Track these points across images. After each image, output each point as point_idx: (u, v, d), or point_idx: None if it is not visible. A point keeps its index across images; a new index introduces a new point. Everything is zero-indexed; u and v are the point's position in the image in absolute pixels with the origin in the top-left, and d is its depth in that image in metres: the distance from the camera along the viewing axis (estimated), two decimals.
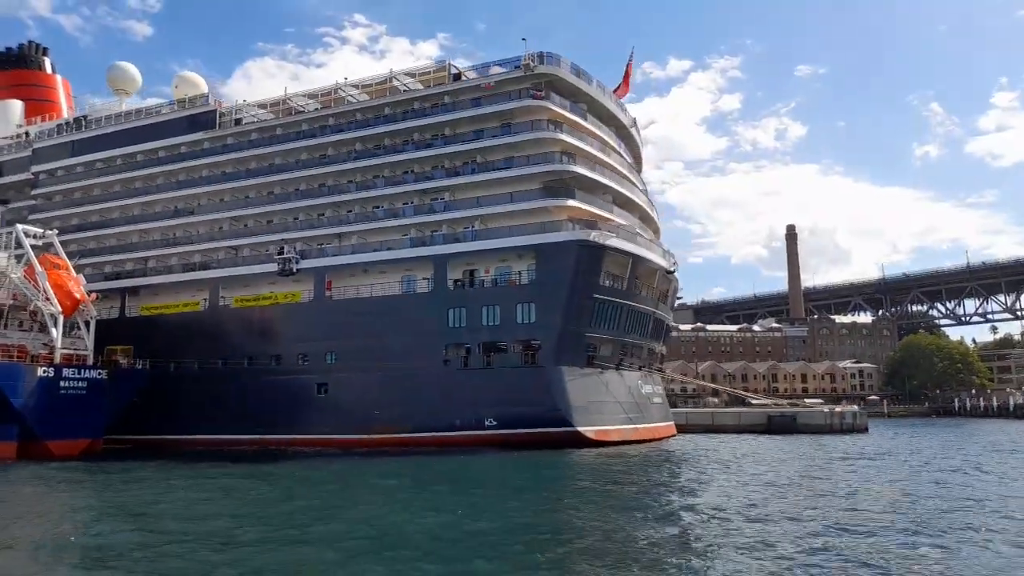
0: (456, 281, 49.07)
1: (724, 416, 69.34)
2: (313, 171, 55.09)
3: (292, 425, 50.53)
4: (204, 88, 70.20)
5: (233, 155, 58.01)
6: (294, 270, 53.16)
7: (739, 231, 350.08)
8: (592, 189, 50.39)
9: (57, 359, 45.91)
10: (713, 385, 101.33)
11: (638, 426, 49.42)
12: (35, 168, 67.28)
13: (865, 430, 64.12)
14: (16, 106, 79.87)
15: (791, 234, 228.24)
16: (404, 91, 54.11)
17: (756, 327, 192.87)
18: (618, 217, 52.23)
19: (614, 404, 47.90)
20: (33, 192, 66.83)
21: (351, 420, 48.55)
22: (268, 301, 54.20)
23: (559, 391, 44.65)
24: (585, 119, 52.32)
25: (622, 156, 57.63)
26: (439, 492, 27.34)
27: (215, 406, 52.52)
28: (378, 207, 53.21)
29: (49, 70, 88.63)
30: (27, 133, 72.27)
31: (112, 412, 48.37)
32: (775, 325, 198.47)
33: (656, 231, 61.09)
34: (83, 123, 68.80)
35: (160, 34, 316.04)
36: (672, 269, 55.79)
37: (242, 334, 54.16)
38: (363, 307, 50.66)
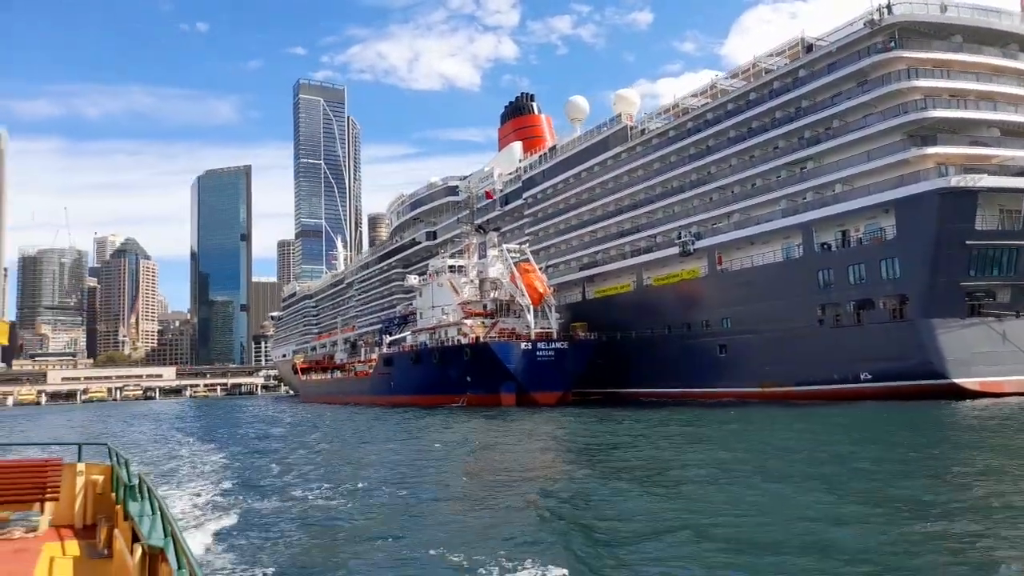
0: (823, 244, 52.09)
1: None
2: (699, 162, 63.72)
3: (703, 380, 60.47)
4: (637, 103, 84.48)
5: (640, 161, 70.50)
6: (691, 250, 62.89)
7: None
8: (968, 128, 47.18)
9: (532, 336, 65.44)
10: None
11: None
12: (525, 194, 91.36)
13: None
14: (517, 147, 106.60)
15: None
16: (766, 73, 58.44)
17: None
18: (1022, 149, 47.45)
19: (1014, 353, 44.66)
20: (526, 212, 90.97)
21: (746, 375, 56.24)
22: (676, 279, 65.17)
23: (930, 343, 44.56)
24: (960, 51, 48.80)
25: None
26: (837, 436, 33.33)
27: (647, 366, 65.92)
28: (754, 185, 59.00)
29: (536, 112, 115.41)
30: (520, 168, 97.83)
31: (575, 372, 65.96)
32: None
33: None
34: (554, 152, 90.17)
35: (659, 17, 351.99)
36: None
37: (661, 307, 66.22)
38: (748, 276, 57.61)
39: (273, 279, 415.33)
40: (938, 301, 44.96)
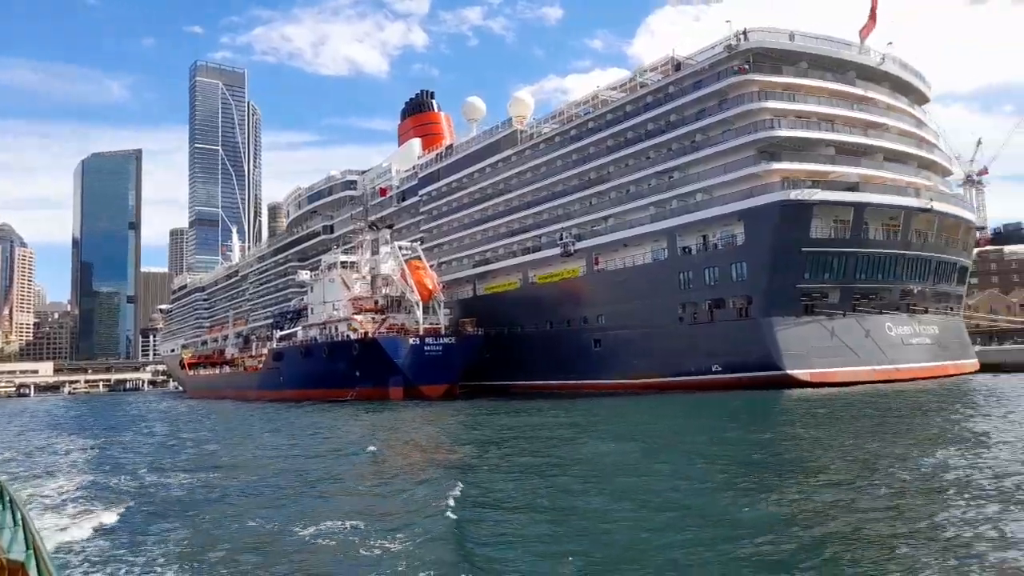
0: (685, 248, 56.87)
1: None
2: (581, 168, 67.59)
3: (581, 373, 64.41)
4: (531, 105, 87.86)
5: (528, 164, 73.81)
6: (572, 251, 66.71)
7: None
8: (809, 147, 52.83)
9: (421, 331, 67.59)
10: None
11: (876, 367, 50.84)
12: (421, 191, 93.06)
13: None
14: (416, 144, 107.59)
15: None
16: (641, 87, 62.81)
17: None
18: (854, 166, 53.55)
19: (840, 348, 50.53)
20: (422, 209, 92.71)
21: (618, 368, 60.47)
22: (558, 277, 68.88)
23: (769, 339, 49.83)
24: (806, 76, 54.45)
25: (876, 99, 57.30)
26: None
27: (532, 359, 69.33)
28: (628, 191, 63.31)
29: (436, 109, 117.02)
30: (418, 165, 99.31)
31: (462, 366, 68.57)
32: None
33: (936, 167, 59.07)
34: (451, 151, 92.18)
35: (569, 13, 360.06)
36: (926, 208, 53.87)
37: (545, 304, 69.78)
38: (621, 277, 61.87)
39: (164, 270, 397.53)
40: (777, 301, 50.31)
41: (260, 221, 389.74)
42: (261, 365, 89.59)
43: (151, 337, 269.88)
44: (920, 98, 62.78)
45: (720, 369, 52.37)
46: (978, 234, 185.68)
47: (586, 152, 67.53)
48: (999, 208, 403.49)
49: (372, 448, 28.60)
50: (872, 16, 58.06)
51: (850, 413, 33.98)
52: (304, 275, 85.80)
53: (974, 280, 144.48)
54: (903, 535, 12.17)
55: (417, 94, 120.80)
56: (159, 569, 12.22)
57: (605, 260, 64.22)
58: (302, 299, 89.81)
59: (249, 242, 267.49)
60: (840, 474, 18.18)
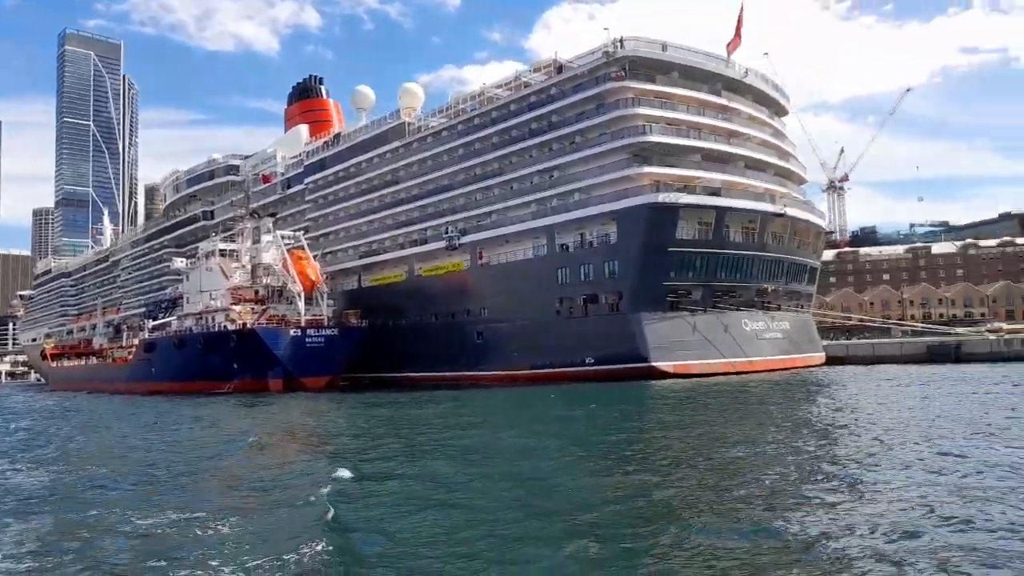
0: (563, 245, 59.25)
1: (885, 347, 68.74)
2: (467, 163, 68.75)
3: (464, 364, 65.68)
4: (421, 97, 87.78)
5: (415, 157, 74.23)
6: (457, 245, 67.84)
7: None
8: (678, 152, 56.27)
9: (302, 323, 66.82)
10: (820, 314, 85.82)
11: (733, 360, 55.04)
12: (307, 180, 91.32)
13: None
14: (303, 130, 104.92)
15: None
16: (526, 87, 64.62)
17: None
18: (718, 172, 57.46)
19: (701, 342, 54.35)
20: (307, 198, 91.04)
21: (499, 360, 62.16)
22: (443, 270, 69.87)
23: (638, 333, 52.95)
24: (677, 86, 57.86)
25: (739, 109, 61.53)
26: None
27: (416, 351, 70.00)
28: (512, 188, 65.06)
29: (325, 96, 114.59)
30: (304, 153, 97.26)
31: (345, 357, 68.28)
32: None
33: (792, 176, 64.28)
34: (339, 140, 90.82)
35: (467, 4, 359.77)
36: (781, 213, 58.59)
37: (431, 297, 70.59)
38: (502, 271, 63.60)
39: (26, 252, 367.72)
40: (645, 298, 53.50)
41: (136, 203, 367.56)
42: (131, 356, 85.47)
43: (9, 325, 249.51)
44: (780, 110, 68.01)
45: (593, 361, 55.04)
46: (837, 236, 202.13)
47: (472, 148, 68.72)
48: (860, 212, 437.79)
49: (249, 440, 28.50)
50: (738, 33, 62.32)
51: (700, 402, 37.08)
52: (180, 263, 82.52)
53: (833, 279, 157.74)
54: (712, 502, 14.11)
55: (305, 79, 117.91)
56: (13, 566, 12.00)
57: (489, 254, 65.74)
58: (177, 287, 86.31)
59: (123, 225, 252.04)
60: (671, 456, 20.31)
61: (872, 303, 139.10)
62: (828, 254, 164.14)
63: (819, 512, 13.05)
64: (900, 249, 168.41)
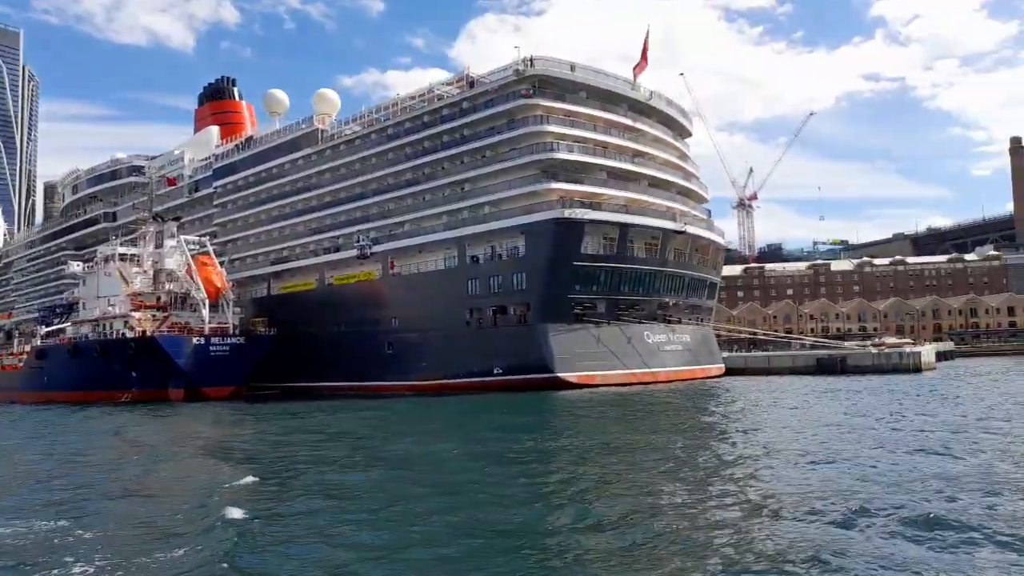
0: (473, 257, 60.11)
1: (780, 359, 72.63)
2: (380, 172, 68.76)
3: (374, 374, 65.40)
4: (337, 103, 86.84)
5: (328, 165, 73.65)
6: (368, 254, 67.67)
7: None
8: (585, 170, 58.12)
9: (206, 331, 65.11)
10: (727, 328, 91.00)
11: (634, 370, 57.04)
12: (216, 183, 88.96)
13: (918, 370, 64.10)
14: (214, 132, 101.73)
15: (1016, 148, 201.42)
16: (439, 99, 65.29)
17: (970, 256, 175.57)
18: (623, 190, 59.58)
19: (605, 353, 56.15)
20: (216, 202, 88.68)
21: (409, 370, 62.31)
22: (353, 280, 69.54)
23: (544, 344, 54.27)
24: (584, 105, 59.77)
25: (644, 130, 63.99)
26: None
27: (326, 360, 69.15)
28: (424, 199, 65.50)
29: (238, 97, 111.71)
30: (214, 156, 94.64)
31: (250, 367, 66.84)
32: (992, 253, 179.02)
33: (693, 195, 67.25)
34: (250, 143, 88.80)
35: (392, 7, 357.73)
36: (681, 230, 61.24)
37: (341, 305, 69.98)
38: (414, 281, 63.88)
39: None
40: (552, 310, 54.91)
41: (33, 202, 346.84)
42: (22, 364, 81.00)
43: None
44: (684, 132, 71.08)
45: (501, 371, 55.97)
46: (746, 252, 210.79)
47: (385, 157, 68.80)
48: (771, 228, 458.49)
49: (142, 453, 27.98)
50: (644, 56, 64.96)
51: (597, 411, 38.60)
52: (76, 266, 78.91)
53: (741, 293, 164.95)
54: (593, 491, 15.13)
55: (217, 79, 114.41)
56: None
57: (400, 264, 65.90)
58: (74, 292, 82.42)
59: (19, 224, 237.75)
60: (561, 462, 21.42)
61: (776, 316, 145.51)
62: (736, 269, 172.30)
63: (694, 503, 14.72)
64: (803, 266, 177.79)
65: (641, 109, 64.44)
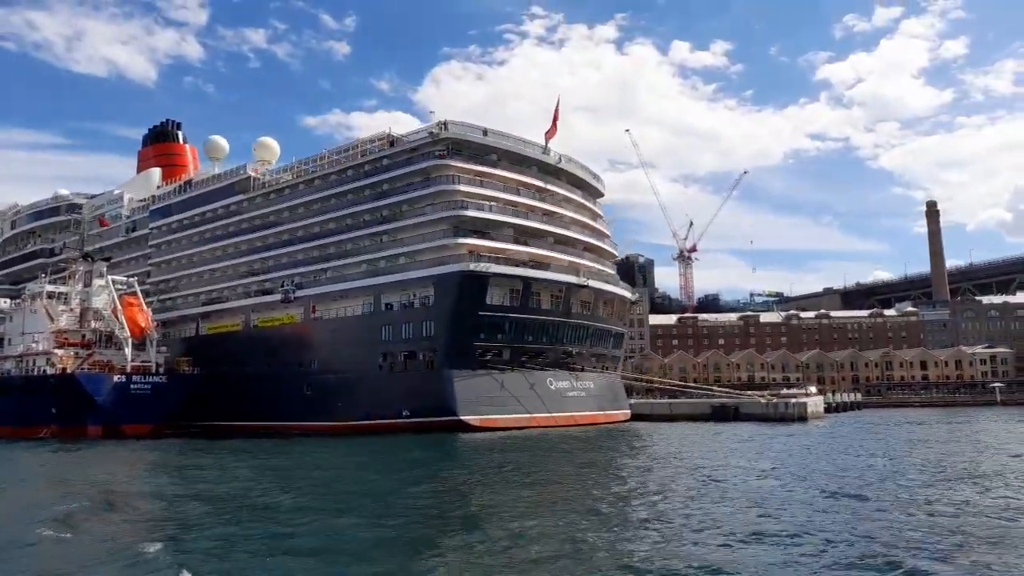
0: (388, 304, 63.88)
1: (680, 406, 77.53)
2: (305, 221, 72.48)
3: (293, 415, 67.93)
4: (277, 151, 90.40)
5: (258, 211, 77.13)
6: (291, 298, 70.89)
7: (973, 194, 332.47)
8: (493, 227, 62.78)
9: (128, 369, 67.08)
10: (647, 377, 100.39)
11: (536, 415, 60.84)
12: (152, 224, 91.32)
13: (803, 419, 69.25)
14: (155, 174, 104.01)
15: (931, 211, 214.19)
16: (363, 155, 69.64)
17: (889, 312, 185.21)
18: (529, 246, 64.27)
19: (508, 398, 59.96)
20: (151, 243, 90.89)
21: (325, 411, 65.08)
22: (277, 323, 72.54)
23: (448, 388, 57.89)
24: (496, 167, 64.74)
25: (554, 191, 69.09)
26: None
27: (248, 400, 71.46)
28: (346, 248, 69.27)
29: (182, 141, 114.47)
30: (151, 197, 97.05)
31: (172, 406, 68.73)
32: (910, 309, 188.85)
33: (603, 252, 72.39)
34: (188, 187, 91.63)
35: (357, 50, 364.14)
36: (584, 284, 65.99)
37: (266, 347, 72.74)
38: (333, 326, 67.24)
39: None
40: (457, 356, 58.71)
41: None
42: None
43: None
44: (595, 192, 76.49)
45: (409, 414, 59.26)
46: (684, 301, 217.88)
47: (312, 207, 72.58)
48: (714, 278, 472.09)
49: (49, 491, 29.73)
50: (554, 124, 70.47)
51: (496, 452, 41.95)
52: (3, 303, 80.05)
53: (675, 342, 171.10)
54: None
55: (162, 123, 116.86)
56: None
57: (321, 309, 69.21)
58: (1, 328, 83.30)
59: None
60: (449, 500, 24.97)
61: (705, 365, 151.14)
62: (671, 318, 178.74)
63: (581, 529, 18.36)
64: (734, 316, 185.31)
65: (551, 171, 69.66)
